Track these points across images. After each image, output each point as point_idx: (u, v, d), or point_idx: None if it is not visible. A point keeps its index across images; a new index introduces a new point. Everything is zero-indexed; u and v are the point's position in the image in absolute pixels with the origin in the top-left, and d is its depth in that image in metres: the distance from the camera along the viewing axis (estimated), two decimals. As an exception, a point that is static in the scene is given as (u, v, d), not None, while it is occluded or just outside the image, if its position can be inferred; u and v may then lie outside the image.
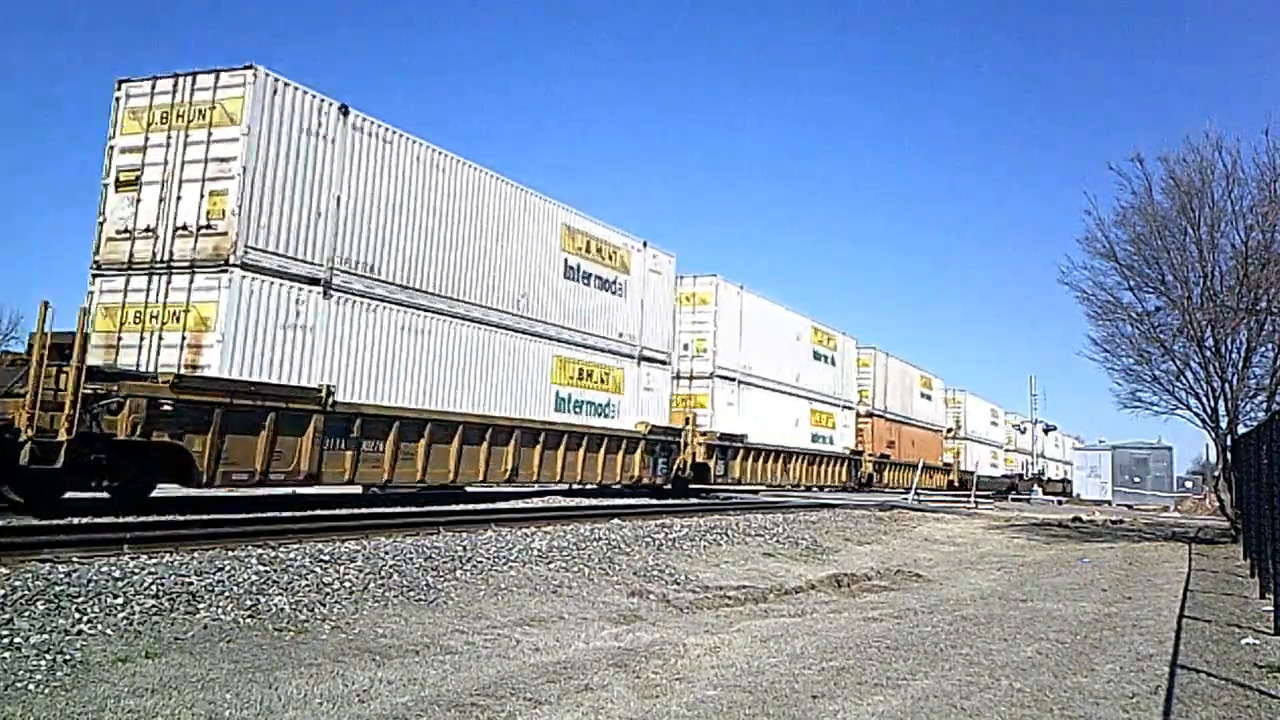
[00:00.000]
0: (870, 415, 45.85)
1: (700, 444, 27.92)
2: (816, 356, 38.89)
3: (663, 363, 27.05)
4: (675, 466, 26.73)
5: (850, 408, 42.63)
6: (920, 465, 48.16)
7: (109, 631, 6.72)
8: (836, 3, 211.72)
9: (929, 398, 56.07)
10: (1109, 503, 45.94)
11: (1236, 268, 21.47)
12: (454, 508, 17.47)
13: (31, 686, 5.49)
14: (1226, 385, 21.88)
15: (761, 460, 32.61)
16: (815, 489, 38.99)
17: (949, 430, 61.69)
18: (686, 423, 27.76)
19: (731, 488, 32.22)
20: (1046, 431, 68.19)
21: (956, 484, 56.54)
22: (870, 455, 44.59)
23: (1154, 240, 22.65)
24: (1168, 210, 22.61)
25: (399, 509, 16.65)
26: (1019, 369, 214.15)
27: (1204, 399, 22.60)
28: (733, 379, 31.12)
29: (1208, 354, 22.06)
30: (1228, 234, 21.89)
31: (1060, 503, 46.93)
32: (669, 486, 27.13)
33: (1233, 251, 21.76)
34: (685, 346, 29.69)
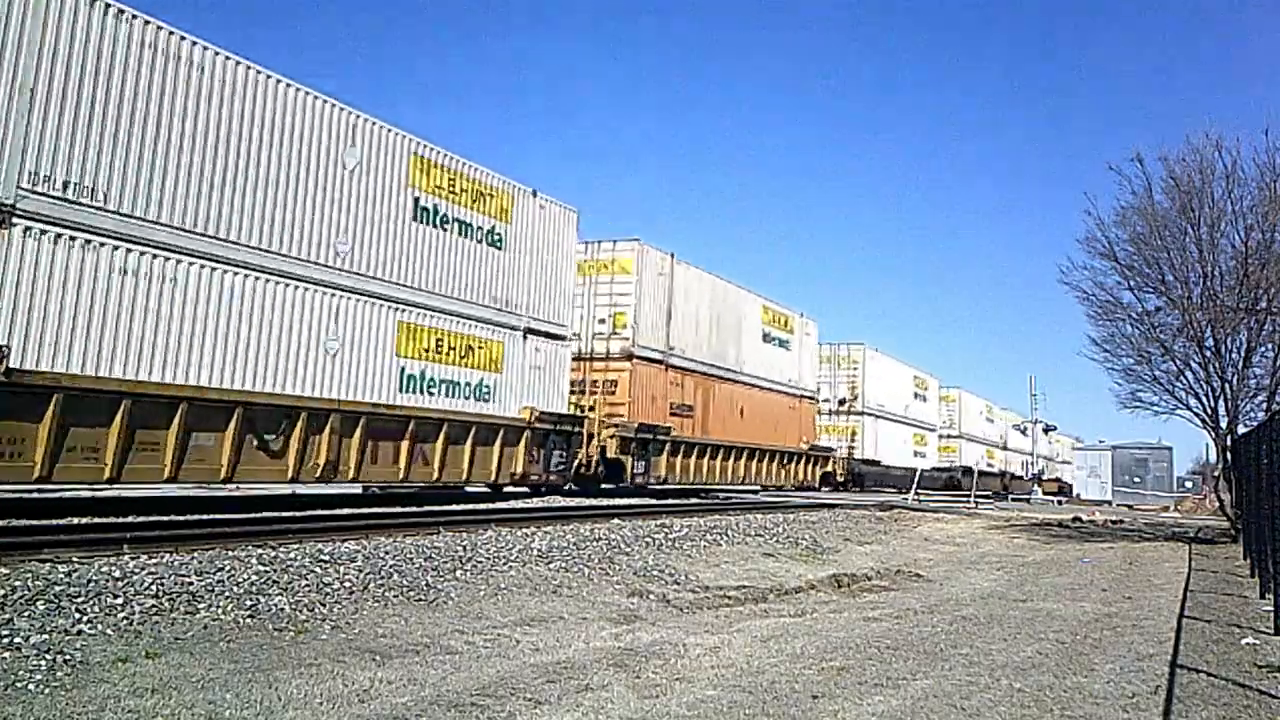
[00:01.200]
0: (631, 358, 25.98)
1: None
2: (438, 221, 18.83)
3: None
4: None
5: (558, 336, 22.66)
6: (766, 450, 32.69)
7: (109, 631, 6.71)
8: (836, 3, 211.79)
9: (786, 346, 35.66)
10: (1109, 503, 46.05)
11: (1236, 268, 21.51)
12: (454, 508, 17.47)
13: (31, 686, 5.49)
14: (1226, 385, 21.91)
15: (165, 427, 13.20)
16: (472, 483, 20.07)
17: (843, 402, 45.81)
18: None
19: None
20: (1046, 431, 67.94)
21: (837, 477, 41.17)
22: (620, 426, 24.88)
23: (1154, 240, 22.71)
24: (1168, 210, 22.69)
25: (399, 509, 16.65)
26: (1019, 369, 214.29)
27: (1204, 399, 22.64)
28: (97, 237, 12.59)
29: (1208, 354, 22.11)
30: (1228, 234, 21.98)
31: (1060, 503, 47.01)
32: None
33: (1233, 251, 21.82)
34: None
